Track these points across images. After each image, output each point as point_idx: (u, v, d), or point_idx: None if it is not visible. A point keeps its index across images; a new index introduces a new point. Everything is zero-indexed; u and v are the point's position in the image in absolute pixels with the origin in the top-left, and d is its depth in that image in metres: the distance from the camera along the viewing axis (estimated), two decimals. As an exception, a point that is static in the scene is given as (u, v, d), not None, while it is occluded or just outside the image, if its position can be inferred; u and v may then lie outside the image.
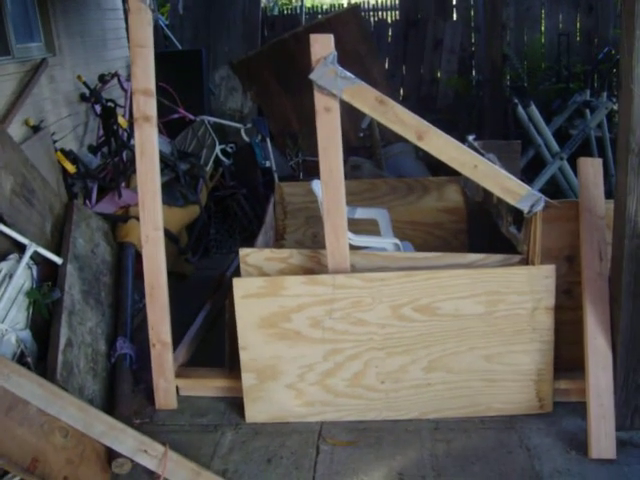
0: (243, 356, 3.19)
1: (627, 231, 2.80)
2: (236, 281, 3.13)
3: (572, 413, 3.21)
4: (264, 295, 3.12)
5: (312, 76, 2.93)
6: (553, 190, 5.99)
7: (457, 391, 3.19)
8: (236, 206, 6.03)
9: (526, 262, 3.13)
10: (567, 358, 3.22)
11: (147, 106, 3.10)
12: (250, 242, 5.46)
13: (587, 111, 5.90)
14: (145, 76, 3.08)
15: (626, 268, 2.84)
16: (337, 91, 2.92)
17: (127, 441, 2.74)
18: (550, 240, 3.15)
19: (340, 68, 2.93)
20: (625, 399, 3.01)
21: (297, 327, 3.14)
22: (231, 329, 3.29)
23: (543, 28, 8.34)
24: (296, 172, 6.63)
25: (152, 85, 3.10)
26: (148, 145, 3.14)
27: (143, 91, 3.09)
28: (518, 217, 3.32)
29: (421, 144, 2.96)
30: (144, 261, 3.26)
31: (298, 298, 3.10)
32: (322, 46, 2.93)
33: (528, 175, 5.68)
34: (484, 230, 4.66)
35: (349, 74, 2.94)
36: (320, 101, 2.97)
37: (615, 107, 5.87)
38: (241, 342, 3.18)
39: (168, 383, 3.38)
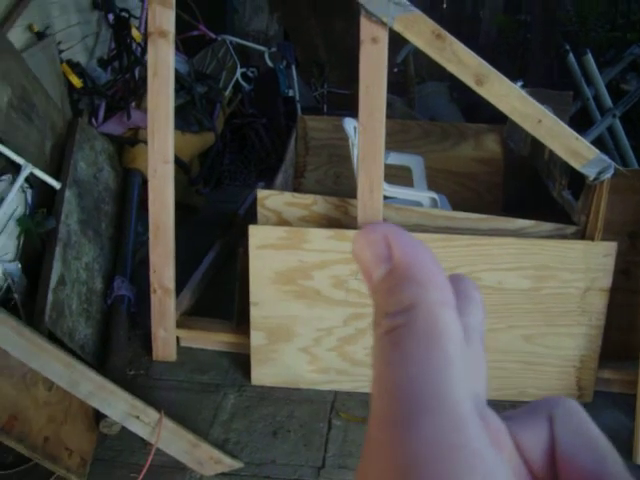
0: (254, 312, 2.85)
1: None
2: (252, 229, 2.76)
3: (613, 406, 2.87)
4: (283, 247, 2.75)
5: (360, -1, 2.49)
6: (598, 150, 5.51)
7: (489, 372, 2.83)
8: (254, 136, 5.59)
9: (582, 235, 2.74)
10: (615, 344, 2.88)
11: (164, 19, 2.67)
12: (265, 175, 5.10)
13: (644, 65, 5.39)
14: (165, -17, 2.64)
15: None
16: (388, 19, 2.48)
17: (117, 404, 2.38)
18: (613, 213, 2.74)
19: (393, -8, 2.49)
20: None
21: (318, 286, 2.78)
22: (243, 280, 2.94)
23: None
24: (320, 104, 6.17)
25: (172, -6, 2.66)
26: (162, 64, 2.72)
27: (160, 0, 2.65)
28: (574, 181, 2.93)
29: (480, 90, 2.53)
30: (149, 198, 2.88)
31: (322, 254, 2.74)
32: (374, -36, 2.49)
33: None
34: (522, 187, 4.27)
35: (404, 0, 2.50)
36: (367, 29, 2.53)
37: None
38: (253, 297, 2.82)
39: (168, 333, 3.05)
